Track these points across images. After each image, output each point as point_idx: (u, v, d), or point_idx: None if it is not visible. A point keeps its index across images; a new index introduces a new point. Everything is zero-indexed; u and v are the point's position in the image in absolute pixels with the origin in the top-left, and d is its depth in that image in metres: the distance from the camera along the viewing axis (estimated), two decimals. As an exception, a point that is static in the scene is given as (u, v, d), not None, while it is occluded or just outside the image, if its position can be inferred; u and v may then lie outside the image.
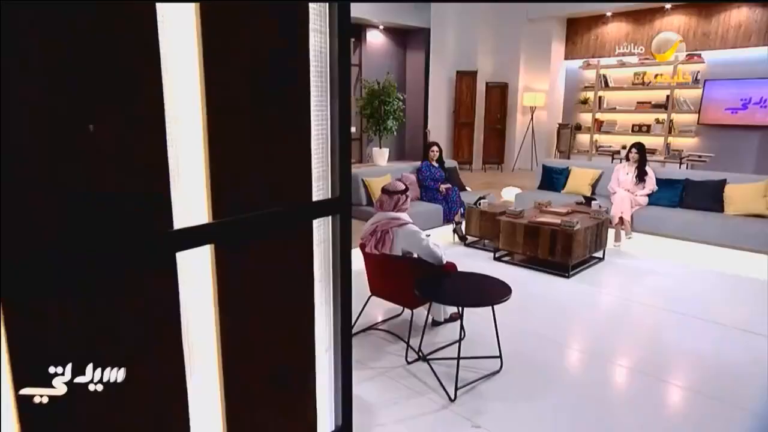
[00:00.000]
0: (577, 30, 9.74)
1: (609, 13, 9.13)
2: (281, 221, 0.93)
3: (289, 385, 1.01)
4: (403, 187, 3.20)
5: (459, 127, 10.04)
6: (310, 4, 0.92)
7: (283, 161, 0.91)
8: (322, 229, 1.02)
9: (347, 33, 0.98)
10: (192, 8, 0.75)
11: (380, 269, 3.21)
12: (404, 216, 3.13)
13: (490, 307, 3.70)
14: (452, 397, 2.71)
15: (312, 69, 0.93)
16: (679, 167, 7.96)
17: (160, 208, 0.75)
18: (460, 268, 5.18)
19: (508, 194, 7.39)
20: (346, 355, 1.10)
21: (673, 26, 8.56)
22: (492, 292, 2.85)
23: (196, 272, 0.81)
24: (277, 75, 0.87)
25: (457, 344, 3.33)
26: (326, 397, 1.08)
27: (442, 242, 5.93)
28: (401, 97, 9.70)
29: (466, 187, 7.06)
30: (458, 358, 2.78)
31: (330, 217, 1.03)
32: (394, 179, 6.33)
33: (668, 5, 8.47)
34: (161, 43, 0.73)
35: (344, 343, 1.08)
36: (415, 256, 3.15)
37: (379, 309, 3.75)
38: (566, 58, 9.93)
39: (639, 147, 6.05)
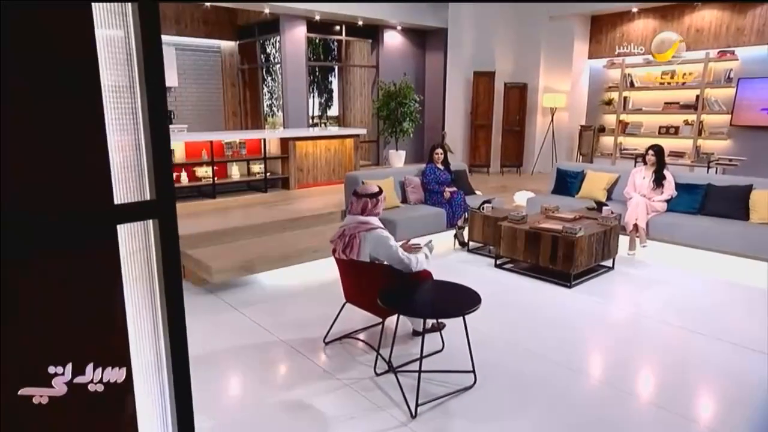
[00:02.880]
0: (601, 28, 9.33)
1: (635, 9, 8.70)
2: (62, 228, 0.82)
3: (97, 413, 0.89)
4: (375, 190, 3.05)
5: (476, 129, 9.78)
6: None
7: (64, 162, 0.80)
8: (138, 236, 0.91)
9: (154, 22, 0.86)
10: None
11: (350, 275, 3.09)
12: (374, 220, 2.99)
13: (473, 318, 3.51)
14: (413, 413, 2.55)
15: (106, 60, 0.82)
16: (707, 171, 7.46)
17: None
18: (456, 275, 4.97)
19: (521, 198, 7.11)
20: (182, 377, 0.97)
21: (704, 21, 8.06)
22: (459, 302, 2.67)
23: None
24: (43, 71, 0.76)
25: (433, 356, 3.18)
26: (156, 424, 0.96)
27: (444, 248, 5.74)
28: (418, 99, 9.52)
29: (476, 191, 6.84)
30: (419, 371, 2.61)
31: (150, 222, 0.91)
32: (396, 182, 6.21)
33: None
34: None
35: (178, 364, 0.96)
36: (386, 263, 3.00)
37: (360, 316, 3.60)
38: (590, 57, 9.52)
39: (656, 149, 5.69)
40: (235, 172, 7.15)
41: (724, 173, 7.61)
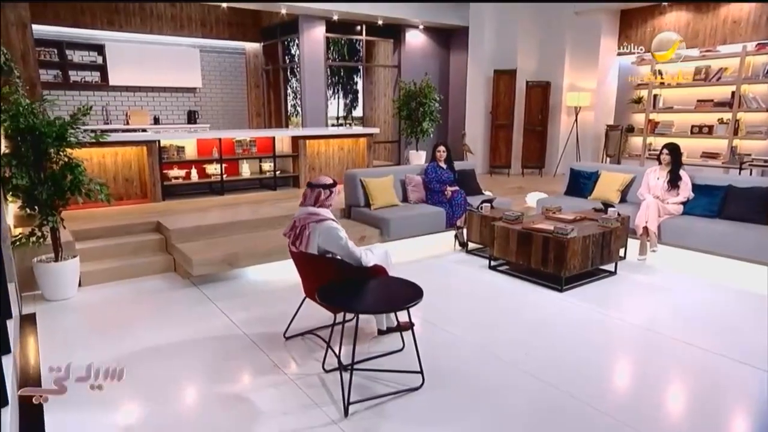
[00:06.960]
0: (631, 23, 8.85)
1: (666, 2, 8.20)
2: None
3: None
4: (329, 182, 2.99)
5: (496, 129, 9.51)
6: None
7: None
8: None
9: None
10: None
11: (302, 268, 3.03)
12: (325, 212, 2.93)
13: (445, 319, 3.37)
14: (345, 412, 2.46)
15: None
16: (739, 173, 6.90)
17: None
18: (449, 276, 4.85)
19: (532, 200, 6.83)
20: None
21: (742, 12, 7.49)
22: (398, 298, 2.56)
23: None
24: None
25: (390, 355, 3.08)
26: None
27: (442, 249, 5.58)
28: (438, 99, 9.37)
29: (485, 191, 6.63)
30: (351, 369, 2.52)
31: None
32: (397, 180, 6.09)
33: (736, -10, 7.43)
34: None
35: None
36: (338, 256, 2.93)
37: (326, 311, 3.52)
38: (619, 53, 9.05)
39: (671, 148, 5.32)
40: (245, 169, 7.26)
41: (762, 175, 7.03)
